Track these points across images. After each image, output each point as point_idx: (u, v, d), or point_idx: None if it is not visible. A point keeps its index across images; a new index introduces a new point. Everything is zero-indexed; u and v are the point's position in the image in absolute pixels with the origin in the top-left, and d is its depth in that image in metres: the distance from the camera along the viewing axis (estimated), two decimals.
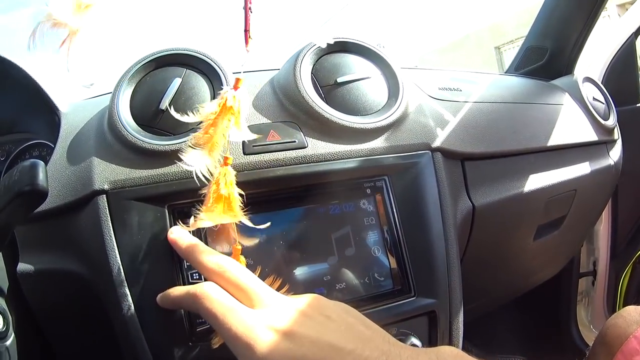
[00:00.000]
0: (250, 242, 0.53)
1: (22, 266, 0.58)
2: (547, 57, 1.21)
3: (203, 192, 0.49)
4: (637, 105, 1.31)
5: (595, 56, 1.27)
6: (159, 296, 0.49)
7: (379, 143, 0.65)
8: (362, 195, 0.63)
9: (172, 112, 0.52)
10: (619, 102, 1.17)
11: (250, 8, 0.50)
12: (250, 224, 0.50)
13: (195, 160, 0.48)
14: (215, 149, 0.49)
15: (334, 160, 0.62)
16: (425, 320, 0.62)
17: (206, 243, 0.52)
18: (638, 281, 1.28)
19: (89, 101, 0.72)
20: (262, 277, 0.47)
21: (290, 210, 0.60)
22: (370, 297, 0.60)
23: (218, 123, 0.48)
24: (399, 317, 0.60)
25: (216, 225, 0.50)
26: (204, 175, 0.48)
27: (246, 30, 0.50)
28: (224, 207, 0.49)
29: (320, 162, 0.61)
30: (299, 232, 0.60)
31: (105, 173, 0.55)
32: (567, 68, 1.21)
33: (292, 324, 0.40)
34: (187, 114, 0.49)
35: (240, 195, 0.50)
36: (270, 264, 0.57)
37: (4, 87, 0.71)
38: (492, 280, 0.95)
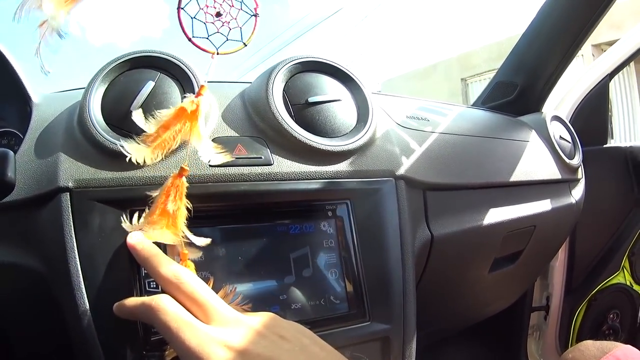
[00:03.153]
0: (197, 254, 0.52)
1: None
2: (517, 93, 1.23)
3: (153, 194, 0.49)
4: (604, 146, 1.35)
5: (565, 94, 1.31)
6: (115, 305, 0.48)
7: (344, 166, 0.66)
8: (323, 217, 0.64)
9: (135, 116, 0.50)
10: (586, 141, 1.19)
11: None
12: (194, 241, 0.50)
13: (133, 150, 0.49)
14: (160, 148, 0.49)
15: (298, 179, 0.62)
16: (379, 345, 0.63)
17: (164, 250, 0.52)
18: (593, 318, 1.31)
19: (62, 94, 0.71)
20: (217, 289, 0.47)
21: (251, 226, 0.60)
22: (325, 319, 0.60)
23: (170, 125, 0.48)
24: (353, 340, 0.61)
25: None
26: (137, 162, 0.49)
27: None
28: (167, 222, 0.49)
29: (284, 180, 0.61)
30: (258, 248, 0.60)
31: (71, 170, 0.55)
32: (535, 105, 1.23)
33: (246, 342, 0.41)
34: (148, 120, 0.49)
35: (188, 210, 0.50)
36: (227, 278, 0.57)
37: None
38: (444, 309, 0.96)
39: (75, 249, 0.52)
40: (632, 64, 1.30)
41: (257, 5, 0.51)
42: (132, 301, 0.47)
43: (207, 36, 0.50)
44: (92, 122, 0.57)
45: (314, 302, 0.60)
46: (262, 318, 0.45)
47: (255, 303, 0.56)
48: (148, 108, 0.59)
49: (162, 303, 0.43)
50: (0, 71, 0.67)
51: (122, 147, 0.49)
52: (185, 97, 0.50)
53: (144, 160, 0.49)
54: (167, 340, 0.42)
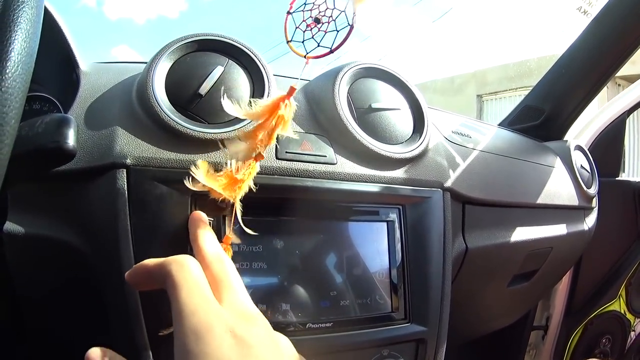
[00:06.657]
0: (237, 241, 0.49)
1: (9, 225, 0.52)
2: (543, 119, 1.27)
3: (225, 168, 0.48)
4: (616, 178, 1.40)
5: (585, 125, 1.35)
6: (131, 269, 0.42)
7: (399, 173, 0.68)
8: (377, 220, 0.66)
9: (225, 102, 0.48)
10: (600, 172, 1.23)
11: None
12: (244, 228, 0.49)
13: (236, 151, 0.49)
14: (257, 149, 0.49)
15: (359, 181, 0.64)
16: (414, 346, 0.66)
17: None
18: (587, 341, 1.36)
19: (112, 65, 0.69)
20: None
21: (310, 221, 0.62)
22: (369, 317, 0.63)
23: (266, 126, 0.48)
24: (392, 340, 0.63)
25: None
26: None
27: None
28: (228, 187, 0.47)
29: (346, 181, 0.63)
30: (315, 244, 0.62)
31: (130, 147, 0.52)
32: (558, 133, 1.28)
33: (255, 338, 0.36)
34: (238, 105, 0.48)
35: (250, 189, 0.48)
36: (282, 269, 0.58)
37: None
38: (460, 318, 0.98)
39: (129, 229, 0.50)
40: None
41: (355, 15, 0.52)
42: (154, 260, 0.40)
43: (302, 40, 0.52)
44: (157, 100, 0.55)
45: (361, 300, 0.63)
46: (279, 335, 0.40)
47: (307, 297, 0.59)
48: (216, 93, 0.58)
49: (187, 262, 0.38)
50: (47, 33, 0.62)
51: (227, 148, 0.49)
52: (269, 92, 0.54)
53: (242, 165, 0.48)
54: (171, 298, 0.37)
